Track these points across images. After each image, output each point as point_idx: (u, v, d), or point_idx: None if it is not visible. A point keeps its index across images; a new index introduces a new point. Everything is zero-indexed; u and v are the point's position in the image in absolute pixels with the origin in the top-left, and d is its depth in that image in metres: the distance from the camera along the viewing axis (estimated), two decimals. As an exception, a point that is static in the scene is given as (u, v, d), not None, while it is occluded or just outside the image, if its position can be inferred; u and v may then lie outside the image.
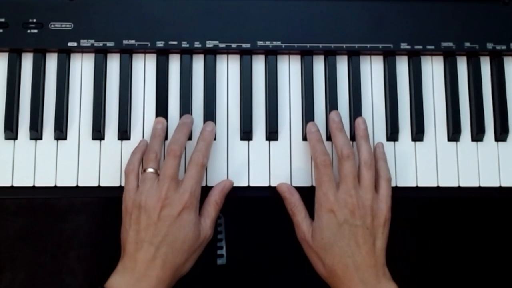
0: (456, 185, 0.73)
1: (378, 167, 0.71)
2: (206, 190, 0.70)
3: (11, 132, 0.72)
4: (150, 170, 0.67)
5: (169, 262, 0.65)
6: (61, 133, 0.72)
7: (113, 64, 0.74)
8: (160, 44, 0.73)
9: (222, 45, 0.74)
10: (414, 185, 0.73)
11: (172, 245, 0.65)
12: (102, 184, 0.72)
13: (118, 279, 0.65)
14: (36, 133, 0.72)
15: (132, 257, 0.65)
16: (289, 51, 0.75)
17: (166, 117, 0.73)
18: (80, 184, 0.72)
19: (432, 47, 0.74)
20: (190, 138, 0.73)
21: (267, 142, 0.74)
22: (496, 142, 0.74)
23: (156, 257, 0.65)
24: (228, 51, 0.75)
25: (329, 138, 0.73)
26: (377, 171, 0.70)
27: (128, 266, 0.65)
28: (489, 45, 0.75)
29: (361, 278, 0.65)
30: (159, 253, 0.65)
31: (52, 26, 0.73)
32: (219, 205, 0.70)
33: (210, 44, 0.74)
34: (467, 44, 0.75)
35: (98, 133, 0.72)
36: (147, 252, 0.65)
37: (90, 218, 0.90)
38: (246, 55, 0.74)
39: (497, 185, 0.73)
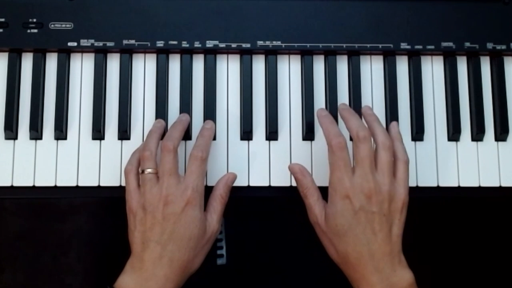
0: (456, 185, 0.73)
1: (394, 148, 0.68)
2: (207, 190, 0.70)
3: (11, 132, 0.72)
4: (148, 170, 0.67)
5: (176, 260, 0.65)
6: (61, 133, 0.72)
7: (113, 64, 0.74)
8: (160, 44, 0.73)
9: (222, 45, 0.74)
10: (414, 185, 0.73)
11: (179, 242, 0.65)
12: (102, 184, 0.72)
13: (127, 279, 0.65)
14: (36, 133, 0.72)
15: (139, 257, 0.65)
16: (289, 51, 0.75)
17: (166, 117, 0.73)
18: (80, 184, 0.72)
19: (432, 47, 0.74)
20: (190, 138, 0.73)
21: (267, 142, 0.74)
22: (496, 142, 0.74)
23: (163, 255, 0.65)
24: (228, 51, 0.75)
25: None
26: (394, 153, 0.68)
27: (136, 266, 0.65)
28: (489, 45, 0.75)
29: (376, 266, 0.64)
30: (166, 251, 0.65)
31: (52, 26, 0.73)
32: (224, 199, 0.69)
33: (210, 44, 0.74)
34: (467, 44, 0.75)
35: (98, 133, 0.72)
36: (154, 251, 0.65)
37: (90, 218, 0.90)
38: (246, 55, 0.74)
39: (497, 185, 0.73)
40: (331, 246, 0.67)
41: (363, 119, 0.70)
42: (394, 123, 0.71)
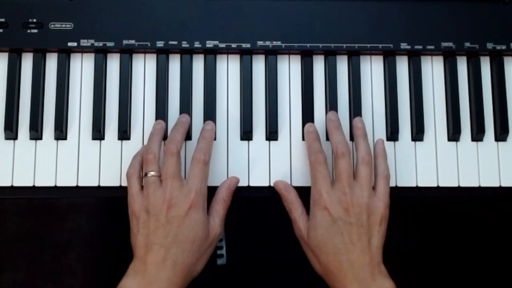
0: (456, 185, 0.73)
1: (376, 164, 0.70)
2: (208, 190, 0.70)
3: (11, 132, 0.72)
4: (152, 173, 0.67)
5: (179, 263, 0.65)
6: (61, 133, 0.72)
7: (113, 64, 0.74)
8: (160, 44, 0.73)
9: (222, 45, 0.74)
10: (414, 185, 0.73)
11: (182, 245, 0.65)
12: (102, 184, 0.72)
13: (129, 282, 0.65)
14: (36, 133, 0.72)
15: (142, 260, 0.65)
16: (289, 51, 0.75)
17: (166, 117, 0.73)
18: (80, 184, 0.72)
19: (432, 47, 0.74)
20: (190, 138, 0.73)
21: (267, 142, 0.74)
22: (496, 142, 0.74)
23: (167, 258, 0.65)
24: (228, 51, 0.75)
25: (328, 138, 0.73)
26: (375, 168, 0.70)
27: (139, 269, 0.65)
28: (489, 45, 0.75)
29: (356, 275, 0.65)
30: (169, 254, 0.65)
31: (52, 26, 0.73)
32: (227, 203, 0.70)
33: (210, 44, 0.74)
34: (467, 44, 0.75)
35: (98, 133, 0.72)
36: (157, 254, 0.65)
37: (90, 218, 0.90)
38: (246, 55, 0.74)
39: (497, 185, 0.73)
40: (314, 258, 0.68)
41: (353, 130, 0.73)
42: (379, 140, 0.72)
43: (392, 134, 0.73)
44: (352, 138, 0.73)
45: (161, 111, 0.73)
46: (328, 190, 0.67)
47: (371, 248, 0.66)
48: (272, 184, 0.72)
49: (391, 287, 0.66)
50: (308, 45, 0.74)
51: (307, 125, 0.73)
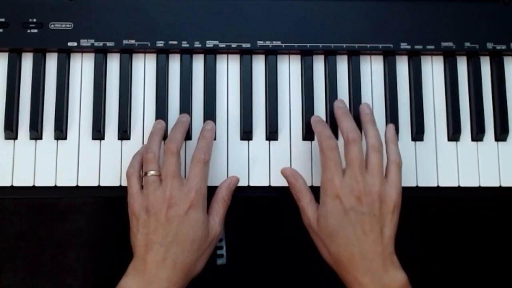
0: (456, 185, 0.73)
1: (388, 150, 0.69)
2: (208, 190, 0.70)
3: (11, 132, 0.72)
4: (152, 172, 0.67)
5: (179, 262, 0.65)
6: (61, 133, 0.72)
7: (113, 64, 0.74)
8: (160, 44, 0.73)
9: (222, 45, 0.74)
10: (414, 185, 0.73)
11: (182, 244, 0.65)
12: (102, 184, 0.72)
13: (129, 282, 0.65)
14: (36, 133, 0.72)
15: (142, 259, 0.65)
16: (289, 51, 0.75)
17: (166, 117, 0.73)
18: (80, 184, 0.72)
19: (432, 47, 0.74)
20: (190, 138, 0.73)
21: (267, 142, 0.74)
22: (496, 142, 0.74)
23: (167, 257, 0.65)
24: (228, 51, 0.75)
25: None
26: (387, 155, 0.68)
27: (139, 268, 0.65)
28: (489, 45, 0.75)
29: (368, 267, 0.64)
30: (169, 253, 0.65)
31: (52, 26, 0.73)
32: (227, 202, 0.70)
33: (210, 44, 0.74)
34: (467, 44, 0.75)
35: (98, 133, 0.72)
36: (157, 253, 0.65)
37: (90, 218, 0.90)
38: (246, 55, 0.74)
39: (497, 185, 0.73)
40: (324, 247, 0.67)
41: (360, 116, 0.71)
42: (390, 126, 0.71)
43: (392, 134, 0.73)
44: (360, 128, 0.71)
45: (161, 111, 0.73)
46: (340, 178, 0.65)
47: (383, 238, 0.65)
48: (272, 184, 0.72)
49: (403, 279, 0.64)
50: (308, 45, 0.74)
51: (313, 116, 0.72)
